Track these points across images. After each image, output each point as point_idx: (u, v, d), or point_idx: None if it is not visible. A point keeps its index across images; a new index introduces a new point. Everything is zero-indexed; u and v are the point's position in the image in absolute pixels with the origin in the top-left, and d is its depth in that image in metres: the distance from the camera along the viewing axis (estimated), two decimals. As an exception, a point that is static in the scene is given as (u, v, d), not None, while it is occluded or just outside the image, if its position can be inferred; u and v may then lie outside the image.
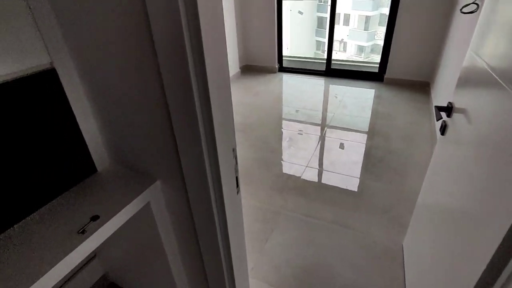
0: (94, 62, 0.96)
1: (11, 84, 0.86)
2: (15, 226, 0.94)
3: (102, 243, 0.94)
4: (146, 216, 1.13)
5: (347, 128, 3.40)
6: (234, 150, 1.02)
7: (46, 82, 0.95)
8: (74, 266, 0.86)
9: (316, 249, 1.95)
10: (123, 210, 0.98)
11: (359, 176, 2.61)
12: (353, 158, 2.86)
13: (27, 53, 0.88)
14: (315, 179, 2.62)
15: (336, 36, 5.95)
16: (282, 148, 3.10)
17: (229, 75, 0.90)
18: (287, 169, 2.76)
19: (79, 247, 0.86)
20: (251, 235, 2.09)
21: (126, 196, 1.03)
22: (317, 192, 2.45)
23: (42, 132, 0.99)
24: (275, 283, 1.76)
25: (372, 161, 2.78)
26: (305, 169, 2.72)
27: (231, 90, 0.93)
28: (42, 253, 0.84)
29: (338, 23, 14.89)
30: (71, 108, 1.03)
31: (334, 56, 4.81)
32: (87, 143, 1.12)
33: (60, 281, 1.42)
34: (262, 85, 4.72)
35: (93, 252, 1.61)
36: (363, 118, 3.61)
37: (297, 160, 2.85)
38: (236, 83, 4.79)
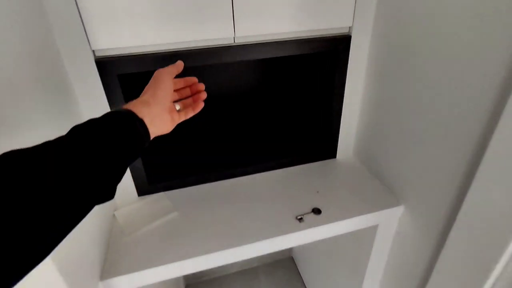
0: (399, 42, 0.75)
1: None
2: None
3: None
4: (364, 237, 0.92)
5: None
6: None
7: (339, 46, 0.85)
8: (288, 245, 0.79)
9: None
10: (342, 222, 0.80)
11: None
12: None
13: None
14: None
15: None
16: None
17: None
18: None
19: (296, 233, 0.77)
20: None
21: (353, 203, 0.85)
22: None
23: (311, 94, 0.93)
24: None
25: None
26: None
27: None
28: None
29: None
30: (344, 85, 0.91)
31: None
32: (340, 127, 0.99)
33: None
34: None
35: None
36: None
37: None
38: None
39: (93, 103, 0.73)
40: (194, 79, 0.54)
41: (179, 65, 0.52)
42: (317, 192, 0.90)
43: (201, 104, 0.52)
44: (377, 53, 0.85)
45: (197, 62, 0.75)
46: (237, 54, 0.77)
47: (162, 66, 0.63)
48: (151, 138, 0.43)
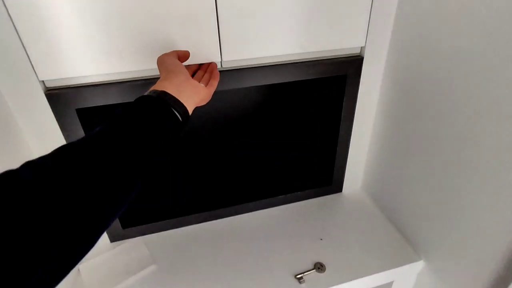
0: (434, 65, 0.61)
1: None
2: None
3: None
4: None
5: None
6: None
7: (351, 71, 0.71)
8: None
9: None
10: (350, 283, 0.67)
11: None
12: None
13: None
14: None
15: None
16: None
17: None
18: None
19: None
20: None
21: (363, 257, 0.71)
22: None
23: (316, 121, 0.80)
24: None
25: None
26: None
27: None
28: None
29: None
30: (353, 112, 0.77)
31: None
32: (348, 158, 0.85)
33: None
34: None
35: None
36: None
37: None
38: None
39: (47, 145, 0.59)
40: (197, 65, 0.58)
41: (184, 53, 0.52)
42: (321, 239, 0.77)
43: (217, 72, 0.55)
44: (393, 77, 0.71)
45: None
46: (224, 81, 0.63)
47: (131, 97, 0.50)
48: (192, 107, 0.44)
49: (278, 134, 0.85)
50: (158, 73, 0.59)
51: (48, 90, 0.56)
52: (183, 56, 0.52)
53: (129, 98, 0.59)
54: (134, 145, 0.34)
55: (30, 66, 0.52)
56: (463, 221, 0.59)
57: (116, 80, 0.58)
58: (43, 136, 0.59)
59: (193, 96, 0.43)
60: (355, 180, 0.91)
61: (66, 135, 0.60)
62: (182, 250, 0.76)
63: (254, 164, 0.89)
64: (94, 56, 0.54)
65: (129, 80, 0.59)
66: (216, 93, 0.56)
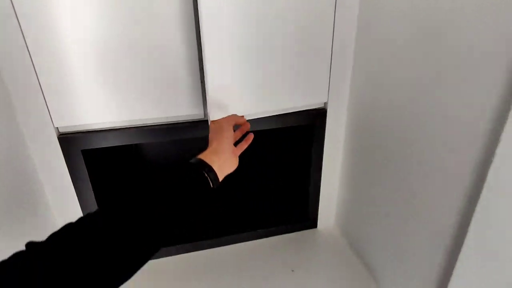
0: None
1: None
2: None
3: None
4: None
5: None
6: None
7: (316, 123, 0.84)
8: None
9: None
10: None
11: None
12: None
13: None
14: None
15: None
16: None
17: None
18: None
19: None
20: None
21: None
22: None
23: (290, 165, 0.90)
24: None
25: None
26: None
27: None
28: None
29: None
30: (322, 157, 0.88)
31: None
32: (320, 197, 0.95)
33: None
34: None
35: None
36: None
37: None
38: None
39: (55, 179, 0.71)
40: (247, 127, 0.65)
41: (244, 124, 0.64)
42: (292, 271, 0.84)
43: (251, 135, 0.63)
44: (355, 125, 0.83)
45: (161, 138, 0.73)
46: (207, 129, 0.75)
47: (130, 140, 0.61)
48: (221, 179, 0.51)
49: (258, 175, 0.95)
50: (151, 123, 0.72)
51: (61, 135, 0.68)
52: (241, 125, 0.64)
53: (128, 141, 0.70)
54: (169, 204, 0.41)
55: (49, 115, 0.65)
56: (410, 260, 0.67)
57: (116, 127, 0.71)
58: (53, 172, 0.70)
59: (229, 170, 0.53)
60: (329, 216, 1.00)
61: (71, 171, 0.71)
62: (157, 281, 0.82)
63: (235, 201, 0.98)
64: (104, 107, 0.66)
65: (126, 127, 0.71)
66: (203, 139, 0.67)
